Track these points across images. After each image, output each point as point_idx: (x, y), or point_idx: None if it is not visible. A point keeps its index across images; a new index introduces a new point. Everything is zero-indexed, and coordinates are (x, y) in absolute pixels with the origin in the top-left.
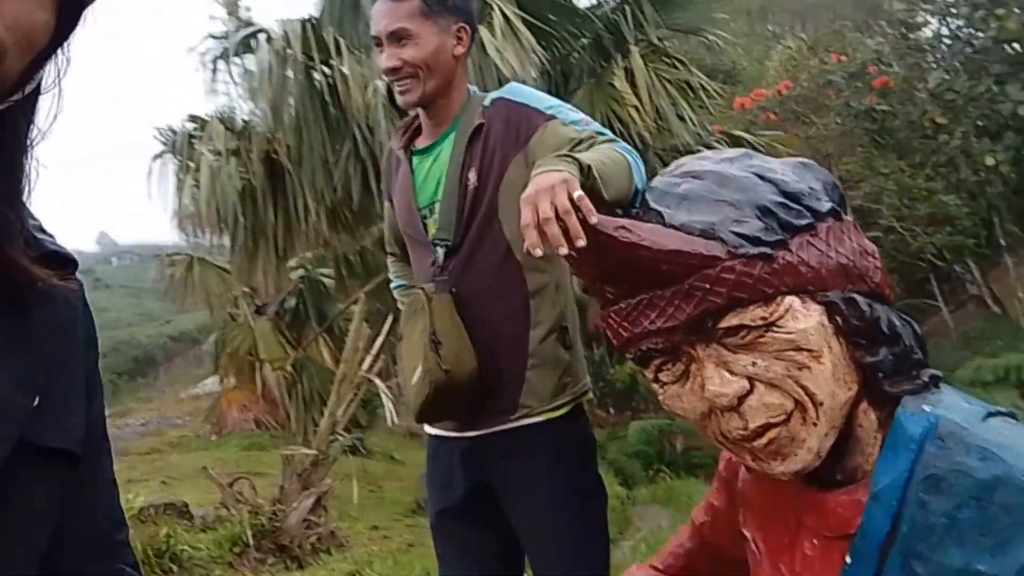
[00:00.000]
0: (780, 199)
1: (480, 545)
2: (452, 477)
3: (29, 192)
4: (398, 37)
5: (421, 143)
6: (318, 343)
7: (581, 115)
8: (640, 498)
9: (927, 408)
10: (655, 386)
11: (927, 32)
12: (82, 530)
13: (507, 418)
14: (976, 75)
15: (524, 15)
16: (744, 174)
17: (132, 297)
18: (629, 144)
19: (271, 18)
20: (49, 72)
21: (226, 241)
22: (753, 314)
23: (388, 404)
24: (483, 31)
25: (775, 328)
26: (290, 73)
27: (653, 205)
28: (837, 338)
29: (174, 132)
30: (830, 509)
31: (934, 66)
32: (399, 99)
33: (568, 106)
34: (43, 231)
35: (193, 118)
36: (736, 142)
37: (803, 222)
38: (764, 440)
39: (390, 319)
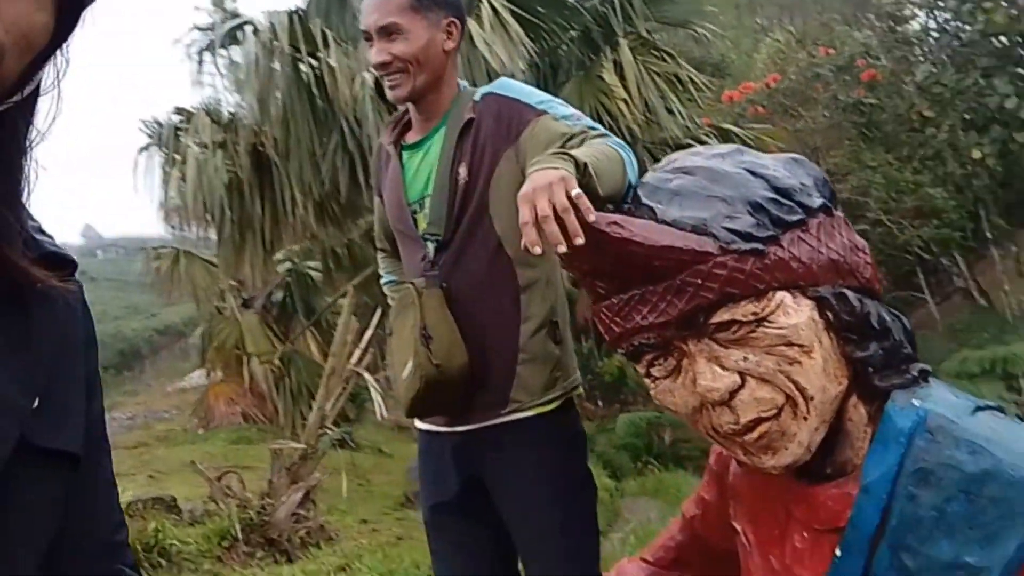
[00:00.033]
0: (772, 195)
1: (474, 540)
2: (445, 472)
3: (28, 193)
4: (388, 32)
5: (411, 138)
6: (305, 336)
7: (572, 110)
8: (629, 490)
9: (916, 402)
10: (647, 381)
11: (915, 25)
12: (82, 531)
13: (498, 412)
14: (963, 68)
15: (512, 7)
16: (736, 170)
17: (117, 290)
18: (618, 137)
19: (257, 9)
20: (48, 73)
21: (212, 234)
22: (744, 309)
23: (377, 398)
24: (471, 23)
25: (766, 323)
26: (277, 65)
27: (645, 201)
28: (828, 333)
29: (160, 125)
30: (820, 502)
31: (922, 59)
32: (389, 94)
33: (559, 101)
34: (42, 232)
35: (179, 110)
36: (724, 135)
37: (794, 218)
38: (755, 434)
39: (378, 312)
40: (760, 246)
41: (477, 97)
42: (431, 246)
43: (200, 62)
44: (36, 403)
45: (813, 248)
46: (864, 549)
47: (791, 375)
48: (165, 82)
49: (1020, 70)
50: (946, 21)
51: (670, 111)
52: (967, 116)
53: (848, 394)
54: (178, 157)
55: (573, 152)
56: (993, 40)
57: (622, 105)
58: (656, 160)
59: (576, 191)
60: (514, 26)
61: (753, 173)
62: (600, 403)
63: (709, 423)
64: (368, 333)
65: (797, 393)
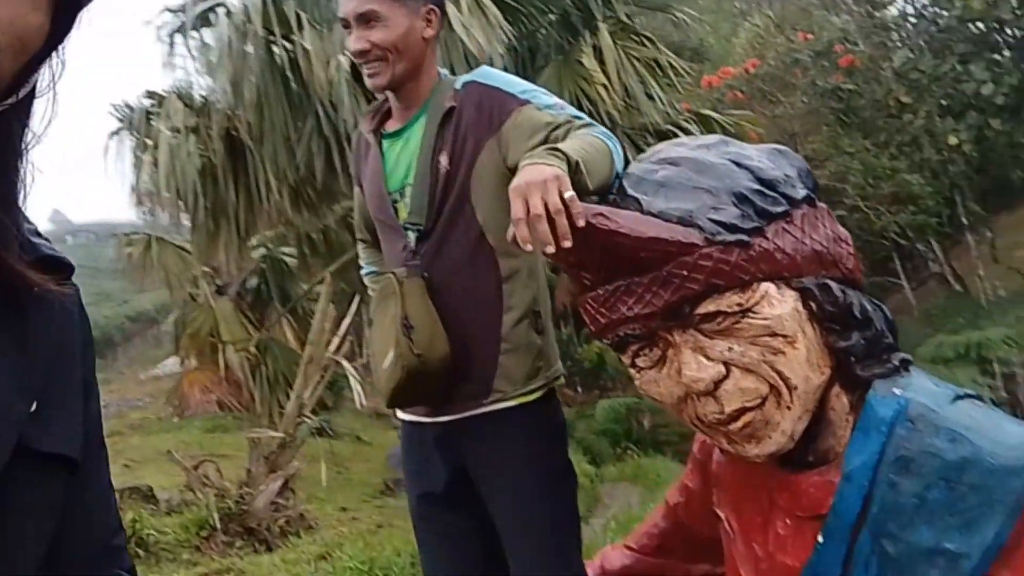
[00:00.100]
0: (756, 186)
1: (460, 530)
2: (430, 463)
3: (24, 196)
4: (367, 19)
5: (391, 127)
6: (281, 324)
7: (555, 99)
8: (608, 476)
9: (897, 391)
10: (632, 371)
11: (893, 11)
12: (80, 535)
13: (480, 402)
14: (940, 54)
15: None
16: (721, 161)
17: (88, 277)
18: (597, 122)
19: None
20: (44, 75)
21: (185, 220)
22: (729, 300)
23: (356, 386)
24: (449, 7)
25: (751, 314)
26: (250, 48)
27: (631, 192)
28: (811, 323)
29: (131, 108)
30: (803, 490)
31: (899, 45)
32: (368, 82)
33: (542, 90)
34: (38, 235)
35: (150, 94)
36: (704, 121)
37: (779, 209)
38: (739, 424)
39: (356, 300)
40: (745, 237)
41: (458, 85)
42: (412, 236)
43: (171, 44)
44: (33, 407)
45: (797, 239)
46: (846, 536)
47: (775, 365)
48: (135, 63)
49: (997, 56)
50: (923, 7)
51: (650, 96)
52: (944, 102)
53: (831, 383)
54: (150, 142)
55: (565, 149)
56: (970, 26)
57: (601, 91)
58: (636, 146)
59: (569, 194)
60: (492, 9)
61: (738, 164)
62: (579, 389)
63: (694, 413)
64: (346, 321)
65: (781, 383)
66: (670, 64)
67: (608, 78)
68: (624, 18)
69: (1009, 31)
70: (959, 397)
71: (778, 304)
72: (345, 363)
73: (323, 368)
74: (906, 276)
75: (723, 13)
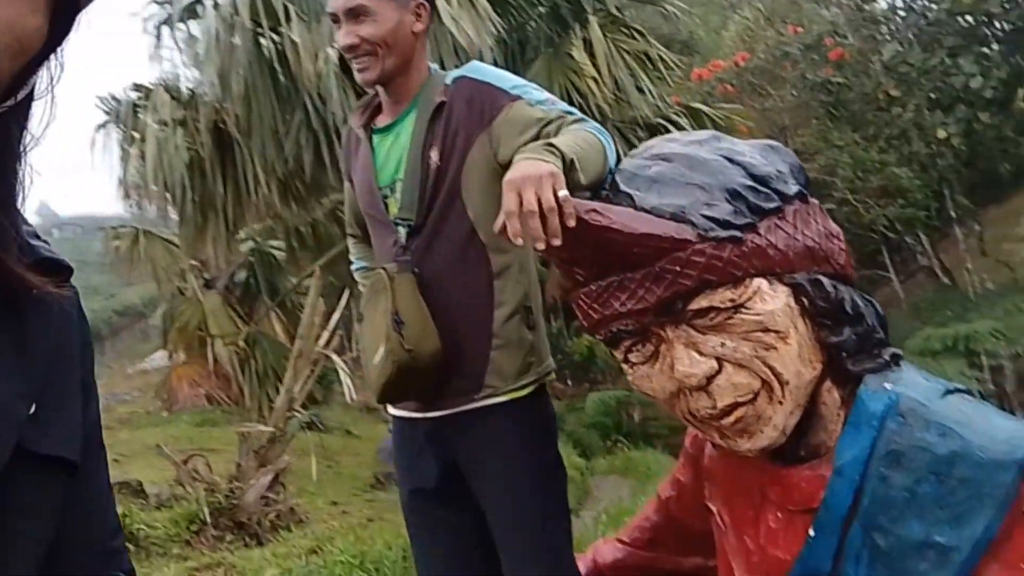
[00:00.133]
0: (749, 182)
1: (452, 525)
2: (421, 459)
3: (23, 199)
4: (356, 14)
5: (381, 121)
6: (270, 317)
7: (546, 94)
8: (599, 469)
9: (888, 386)
10: (624, 367)
11: (882, 4)
12: (79, 537)
13: (471, 398)
14: (929, 48)
15: None
16: (713, 157)
17: (76, 270)
18: (587, 116)
19: None
20: (42, 77)
21: (173, 213)
22: (722, 296)
23: (346, 380)
24: (439, 0)
25: (743, 310)
26: (238, 40)
27: (624, 188)
28: (803, 319)
29: (117, 101)
30: (794, 484)
31: (888, 38)
32: (358, 77)
33: (533, 85)
34: (37, 237)
35: (137, 87)
36: (694, 114)
37: (771, 205)
38: (732, 418)
39: (346, 293)
40: (738, 233)
41: (449, 80)
42: (403, 231)
43: (158, 36)
44: (32, 409)
45: (789, 235)
46: (837, 529)
47: (767, 360)
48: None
49: (985, 50)
50: (912, 0)
51: (640, 90)
52: (932, 96)
53: (822, 378)
54: (137, 135)
55: (560, 146)
56: (959, 19)
57: (591, 83)
58: (626, 139)
59: (563, 193)
60: (481, 2)
61: (730, 160)
62: (569, 382)
63: (686, 408)
64: (335, 315)
65: (773, 378)
66: (660, 57)
67: (598, 71)
68: (614, 11)
69: (998, 25)
70: (949, 392)
71: (770, 300)
72: (335, 357)
73: (313, 362)
74: (894, 269)
75: (713, 6)
